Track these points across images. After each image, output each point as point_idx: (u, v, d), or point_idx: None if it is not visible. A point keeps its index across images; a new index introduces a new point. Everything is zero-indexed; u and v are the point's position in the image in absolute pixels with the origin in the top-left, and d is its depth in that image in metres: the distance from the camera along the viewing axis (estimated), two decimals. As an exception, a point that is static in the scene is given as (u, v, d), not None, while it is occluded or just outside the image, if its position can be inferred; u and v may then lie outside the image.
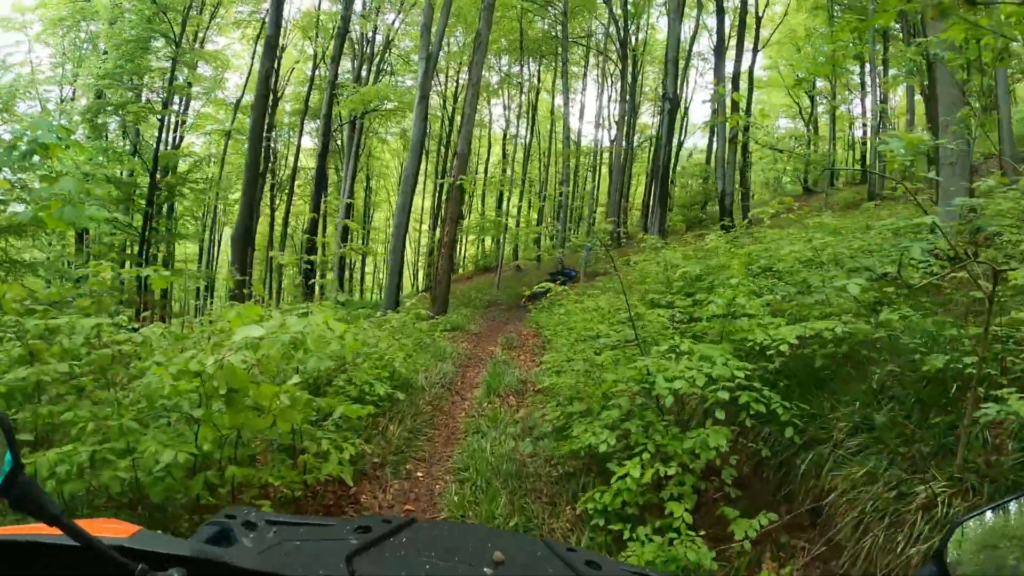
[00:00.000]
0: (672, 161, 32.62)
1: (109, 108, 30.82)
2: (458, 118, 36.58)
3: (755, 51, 33.90)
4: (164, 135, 36.82)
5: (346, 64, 40.44)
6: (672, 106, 30.36)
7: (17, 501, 1.13)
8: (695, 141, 59.10)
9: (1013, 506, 1.57)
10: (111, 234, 30.12)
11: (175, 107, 37.01)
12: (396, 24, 40.03)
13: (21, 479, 1.14)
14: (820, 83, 52.50)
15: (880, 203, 22.26)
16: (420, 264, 58.98)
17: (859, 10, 40.54)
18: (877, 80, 33.17)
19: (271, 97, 43.15)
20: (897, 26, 34.39)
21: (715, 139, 47.55)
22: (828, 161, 48.85)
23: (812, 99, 52.94)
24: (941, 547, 1.52)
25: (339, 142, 42.08)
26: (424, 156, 52.66)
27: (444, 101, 46.56)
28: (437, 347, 15.88)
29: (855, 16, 40.11)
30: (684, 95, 42.60)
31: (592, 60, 51.50)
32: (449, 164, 37.70)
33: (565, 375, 9.33)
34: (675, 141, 41.64)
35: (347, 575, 1.41)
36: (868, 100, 50.35)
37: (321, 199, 34.07)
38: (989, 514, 1.60)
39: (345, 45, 40.29)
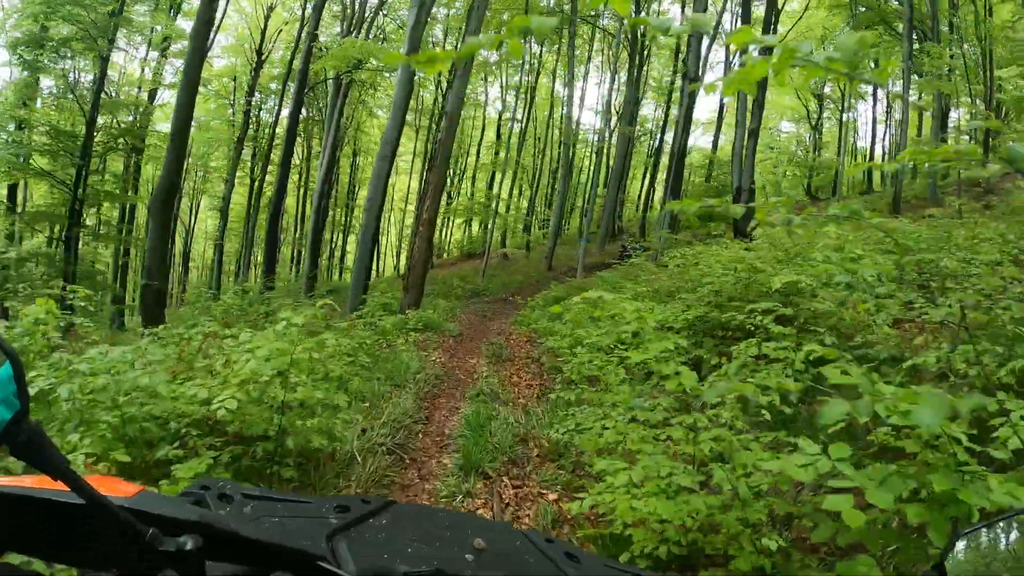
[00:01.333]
0: (686, 149, 28.12)
1: (51, 43, 25.51)
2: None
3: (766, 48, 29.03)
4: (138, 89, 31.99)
5: (335, 29, 35.39)
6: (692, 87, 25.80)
7: (20, 448, 0.96)
8: (694, 139, 54.70)
9: (1010, 523, 1.51)
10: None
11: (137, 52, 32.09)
12: None
13: (26, 424, 0.97)
14: (828, 88, 49.21)
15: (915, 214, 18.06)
16: (404, 247, 53.72)
17: (881, 10, 36.95)
18: (910, 85, 28.43)
19: (258, 57, 38.38)
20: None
21: (721, 135, 43.99)
22: (839, 167, 46.39)
23: (821, 102, 49.31)
24: (942, 558, 1.41)
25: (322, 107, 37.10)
26: (415, 133, 48.57)
27: (438, 75, 41.35)
28: (397, 362, 10.94)
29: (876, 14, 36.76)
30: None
31: (596, 45, 46.81)
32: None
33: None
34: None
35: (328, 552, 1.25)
36: (879, 108, 47.52)
37: (290, 167, 29.05)
38: (988, 529, 1.51)
39: (330, 6, 35.42)
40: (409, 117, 47.07)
